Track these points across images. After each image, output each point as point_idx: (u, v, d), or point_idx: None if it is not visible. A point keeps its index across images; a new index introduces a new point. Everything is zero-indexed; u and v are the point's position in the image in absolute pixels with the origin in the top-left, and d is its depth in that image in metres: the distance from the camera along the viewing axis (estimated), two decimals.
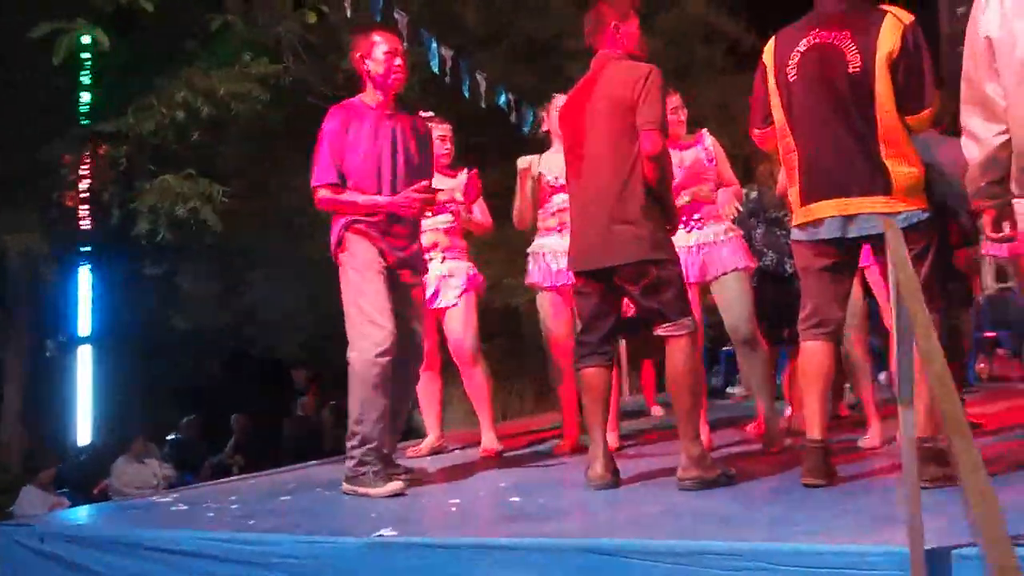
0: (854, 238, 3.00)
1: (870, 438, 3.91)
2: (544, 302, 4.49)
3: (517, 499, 3.09)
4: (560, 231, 4.40)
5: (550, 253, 4.44)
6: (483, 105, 7.36)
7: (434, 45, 6.71)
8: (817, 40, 3.04)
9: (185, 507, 3.27)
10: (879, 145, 2.93)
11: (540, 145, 4.69)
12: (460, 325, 4.50)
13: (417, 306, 3.81)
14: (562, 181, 4.37)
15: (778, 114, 3.16)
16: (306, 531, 2.70)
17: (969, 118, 2.68)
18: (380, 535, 2.53)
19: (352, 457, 3.40)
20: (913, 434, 2.01)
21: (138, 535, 2.80)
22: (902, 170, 2.93)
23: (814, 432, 3.05)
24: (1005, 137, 2.59)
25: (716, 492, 3.00)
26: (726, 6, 10.50)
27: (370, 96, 3.64)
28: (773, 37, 3.23)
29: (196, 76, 6.72)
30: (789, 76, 3.09)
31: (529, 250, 4.62)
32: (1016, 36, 2.53)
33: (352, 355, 3.43)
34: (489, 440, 4.51)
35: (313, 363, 11.08)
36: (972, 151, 2.68)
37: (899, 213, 2.91)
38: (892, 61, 2.93)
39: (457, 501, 3.12)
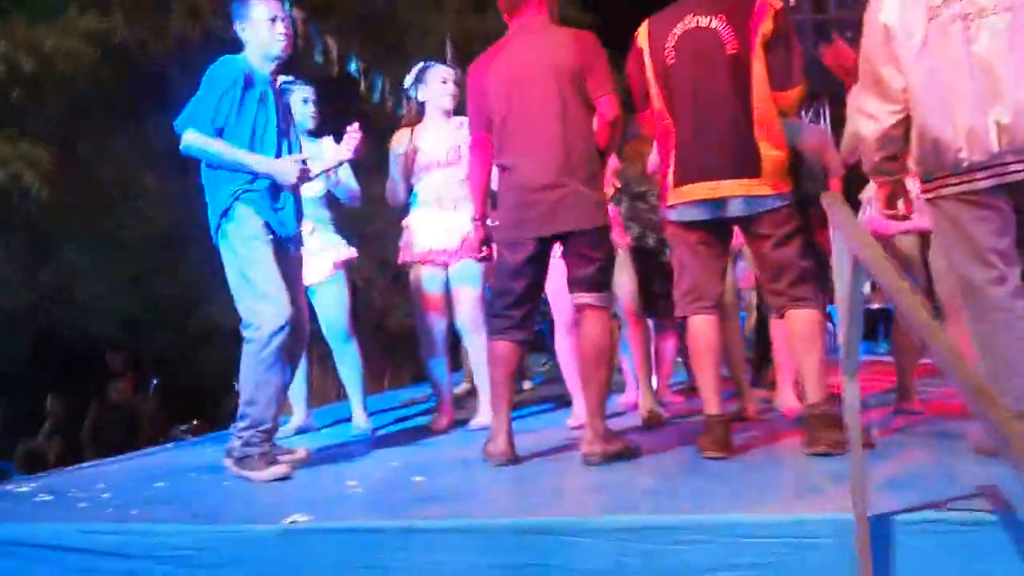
0: (725, 219, 3.09)
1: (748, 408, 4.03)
2: (419, 276, 4.36)
3: (420, 479, 2.96)
4: (439, 206, 4.29)
5: (425, 226, 4.32)
6: (334, 72, 7.08)
7: (287, 5, 6.35)
8: (694, 24, 3.10)
9: (50, 496, 2.92)
10: (753, 127, 3.02)
11: (384, 117, 4.52)
12: (333, 301, 4.29)
13: (300, 283, 3.59)
14: (439, 157, 4.28)
15: (656, 97, 3.20)
16: (201, 519, 2.48)
17: (864, 98, 2.80)
18: (293, 521, 2.35)
19: (239, 438, 3.18)
20: (858, 405, 2.07)
21: (9, 530, 2.47)
22: (771, 153, 3.02)
23: (712, 406, 3.11)
24: (899, 116, 2.72)
25: (624, 466, 3.00)
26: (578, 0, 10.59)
27: (256, 60, 3.39)
28: (646, 21, 3.26)
29: (17, 28, 6.03)
30: (667, 59, 3.14)
31: (405, 223, 4.48)
32: (912, 25, 2.65)
33: (246, 333, 3.20)
34: (360, 419, 4.34)
35: (133, 346, 10.35)
36: (867, 128, 2.80)
37: (767, 196, 3.02)
38: (767, 43, 3.02)
39: (354, 483, 2.95)
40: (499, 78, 3.25)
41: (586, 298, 3.18)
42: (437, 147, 4.29)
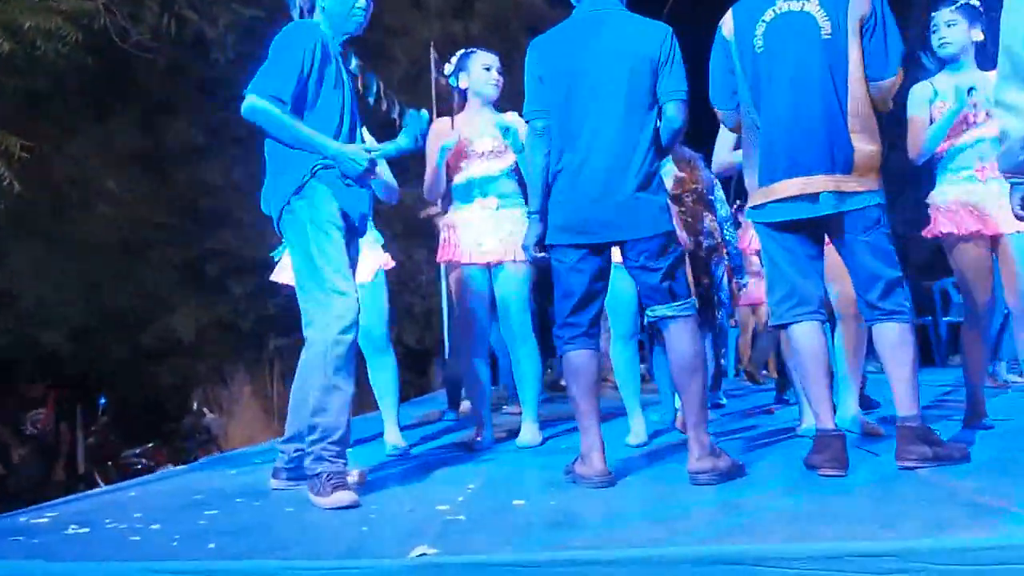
0: (817, 217, 2.84)
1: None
2: (462, 279, 4.01)
3: (520, 502, 2.61)
4: (483, 201, 3.96)
5: (471, 223, 3.97)
6: None
7: None
8: (785, 8, 2.88)
9: (84, 529, 2.46)
10: (847, 118, 2.81)
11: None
12: (373, 305, 3.91)
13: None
14: (485, 148, 3.96)
15: (742, 89, 2.96)
16: (295, 553, 2.09)
17: (1007, 90, 2.56)
18: (423, 554, 1.98)
19: (309, 453, 2.78)
20: None
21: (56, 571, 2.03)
22: (865, 147, 2.81)
23: (827, 421, 2.84)
24: None
25: (740, 485, 2.70)
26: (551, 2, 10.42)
27: (330, 32, 3.01)
28: (730, 11, 3.04)
29: None
30: (756, 48, 2.91)
31: (443, 222, 4.13)
32: None
33: (310, 332, 2.83)
34: (395, 437, 3.95)
35: (84, 356, 9.65)
36: (1014, 123, 2.56)
37: (859, 192, 2.80)
38: (863, 25, 2.80)
39: (446, 508, 2.57)
40: (561, 64, 2.95)
41: (663, 310, 2.89)
42: (483, 138, 3.96)
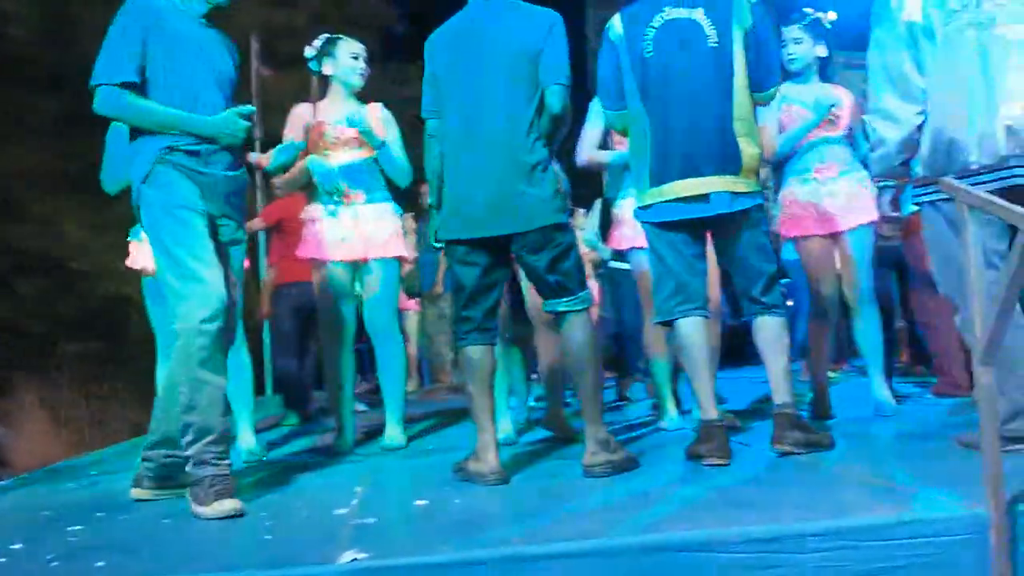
0: (705, 217, 2.95)
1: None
2: (331, 277, 3.83)
3: (425, 502, 2.51)
4: (346, 195, 3.81)
5: (334, 221, 3.81)
6: None
7: None
8: (672, 15, 2.98)
9: None
10: (734, 122, 2.92)
11: None
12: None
13: (234, 270, 2.96)
14: (348, 137, 3.81)
15: (631, 93, 3.04)
16: (196, 566, 1.90)
17: (884, 98, 2.75)
18: (354, 559, 1.85)
19: (188, 456, 2.57)
20: (994, 397, 1.97)
21: None
22: (750, 150, 2.95)
23: (710, 411, 2.94)
24: (921, 119, 2.70)
25: (636, 477, 2.73)
26: None
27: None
28: (617, 15, 3.11)
29: None
30: (644, 52, 2.99)
31: (306, 215, 3.94)
32: (933, 27, 2.65)
33: (177, 326, 2.60)
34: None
35: None
36: (890, 131, 2.75)
37: (747, 193, 2.94)
38: (746, 36, 2.94)
39: (345, 511, 2.42)
40: (449, 58, 2.93)
41: (554, 304, 2.89)
42: (344, 128, 3.80)
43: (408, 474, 3.18)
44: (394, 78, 10.95)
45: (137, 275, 8.60)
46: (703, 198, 2.89)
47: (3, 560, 2.04)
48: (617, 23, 3.06)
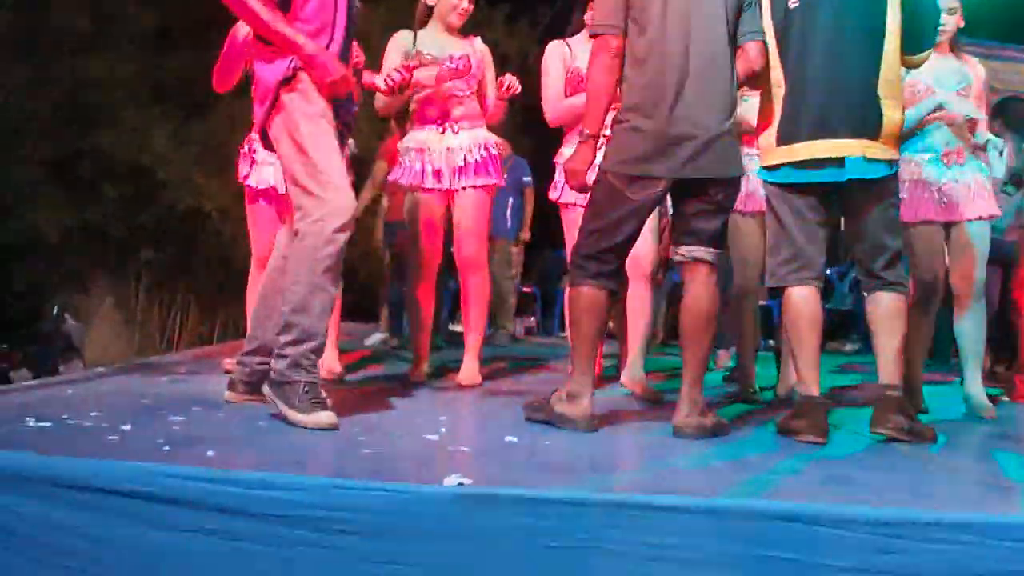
0: (834, 182, 2.81)
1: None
2: (419, 205, 3.81)
3: (515, 439, 2.49)
4: (439, 126, 3.77)
5: (429, 151, 3.78)
6: None
7: None
8: None
9: (46, 424, 2.17)
10: (878, 83, 2.78)
11: None
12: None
13: None
14: (449, 64, 3.75)
15: (769, 45, 2.90)
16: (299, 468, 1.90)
17: None
18: (461, 483, 1.84)
19: (283, 356, 2.55)
20: None
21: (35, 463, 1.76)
22: (892, 115, 2.80)
23: (812, 387, 2.86)
24: None
25: (730, 442, 2.68)
26: None
27: None
28: None
29: None
30: (789, 3, 2.85)
31: (401, 145, 3.90)
32: None
33: (304, 225, 2.59)
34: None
35: None
36: None
37: (884, 160, 2.80)
38: None
39: (436, 439, 2.43)
40: None
41: (702, 252, 2.79)
42: (443, 57, 3.75)
43: (489, 411, 3.16)
44: (481, 21, 10.83)
45: (214, 192, 8.70)
46: (836, 161, 2.77)
47: (115, 438, 2.07)
48: None
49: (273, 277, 2.84)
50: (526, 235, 6.69)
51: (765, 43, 2.82)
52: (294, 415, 2.49)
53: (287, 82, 2.63)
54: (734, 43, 2.78)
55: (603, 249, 2.76)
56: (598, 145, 2.78)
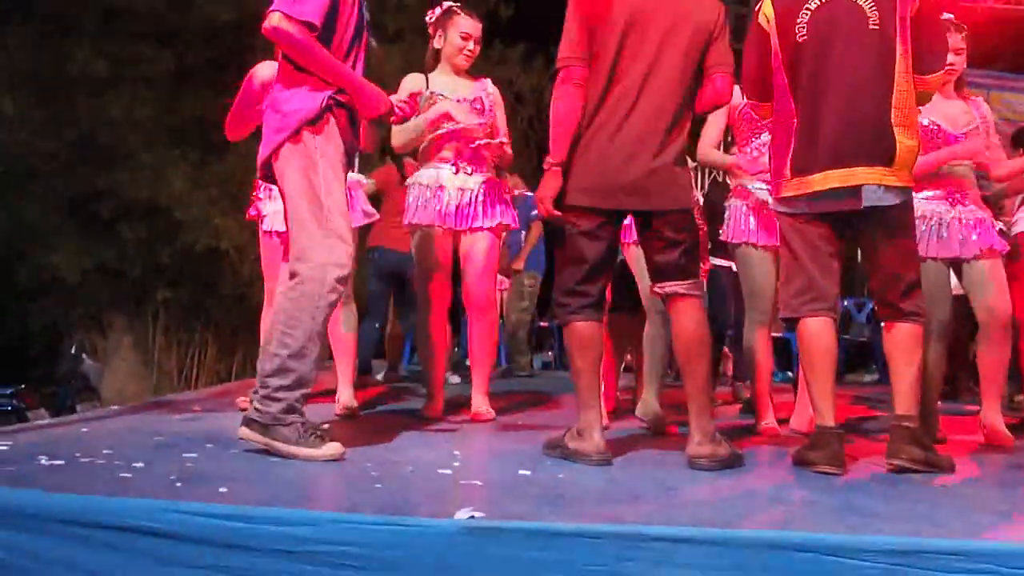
0: (849, 211, 2.81)
1: (768, 424, 3.79)
2: (429, 242, 3.83)
3: (529, 472, 2.48)
4: (451, 165, 3.81)
5: (439, 188, 3.81)
6: None
7: None
8: None
9: (59, 461, 2.18)
10: (891, 110, 2.77)
11: None
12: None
13: None
14: (460, 111, 3.79)
15: (779, 78, 2.92)
16: (313, 505, 1.90)
17: None
18: (472, 517, 1.83)
19: (276, 399, 2.54)
20: None
21: (51, 503, 1.77)
22: (906, 142, 2.78)
23: (827, 418, 2.83)
24: None
25: (744, 473, 2.66)
26: None
27: None
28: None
29: None
30: (798, 37, 2.87)
31: (411, 181, 3.93)
32: None
33: (304, 268, 2.59)
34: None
35: None
36: None
37: (899, 188, 2.79)
38: (914, 19, 2.80)
39: (449, 472, 2.43)
40: (619, 13, 2.76)
41: (673, 287, 2.82)
42: (453, 97, 3.80)
43: (502, 445, 3.15)
44: (496, 60, 10.97)
45: (232, 231, 8.77)
46: (850, 191, 2.76)
47: (129, 475, 2.08)
48: (768, 7, 2.95)
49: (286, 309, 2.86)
50: (517, 264, 6.66)
51: (734, 76, 2.84)
52: (303, 451, 2.50)
53: (314, 121, 2.65)
54: (696, 78, 2.81)
55: (577, 282, 2.81)
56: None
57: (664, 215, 2.77)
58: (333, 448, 2.51)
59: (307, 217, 2.61)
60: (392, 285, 5.89)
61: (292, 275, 2.63)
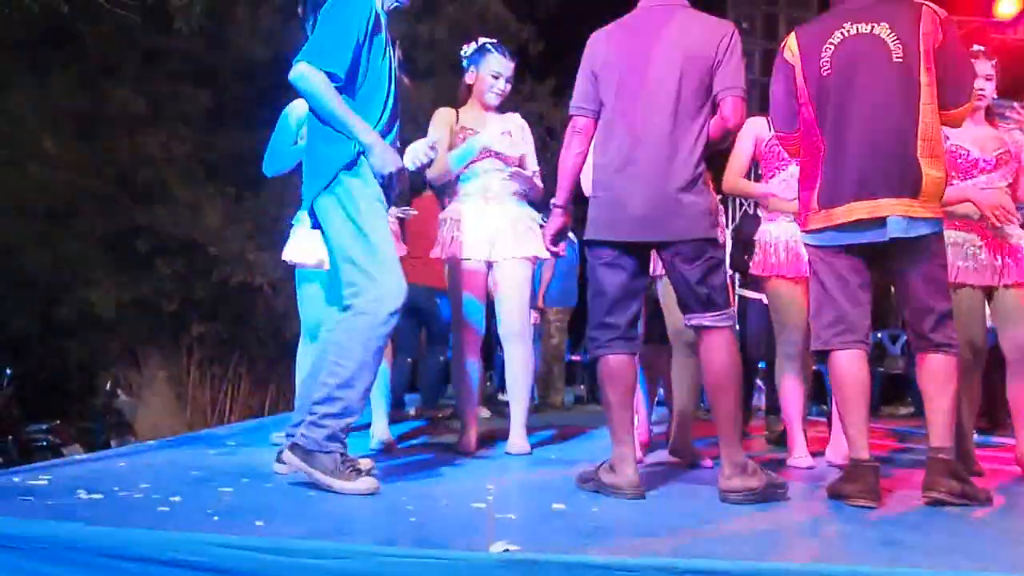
0: (877, 243, 2.80)
1: (802, 457, 3.76)
2: (461, 276, 3.86)
3: (563, 506, 2.49)
4: (485, 197, 3.85)
5: (471, 223, 3.85)
6: None
7: None
8: (854, 31, 2.86)
9: (98, 495, 2.22)
10: (917, 142, 2.77)
11: None
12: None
13: None
14: (493, 144, 3.85)
15: (805, 111, 2.94)
16: (347, 538, 1.92)
17: None
18: (507, 550, 1.84)
19: (322, 426, 2.59)
20: None
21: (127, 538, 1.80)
22: (933, 174, 2.78)
23: (862, 451, 2.81)
24: None
25: (777, 506, 2.64)
26: (517, 13, 10.45)
27: None
28: (793, 33, 3.04)
29: None
30: (822, 71, 2.89)
31: (444, 216, 3.97)
32: None
33: (359, 302, 2.65)
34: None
35: None
36: None
37: (926, 219, 2.78)
38: (936, 51, 2.81)
39: (483, 506, 2.44)
40: (614, 58, 2.88)
41: (697, 319, 2.82)
42: (490, 134, 3.85)
43: (537, 479, 3.16)
44: (526, 95, 11.09)
45: (266, 266, 8.85)
46: (877, 222, 2.77)
47: (166, 509, 2.11)
48: (792, 42, 2.99)
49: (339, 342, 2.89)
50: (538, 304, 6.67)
51: (744, 98, 2.82)
52: (338, 483, 2.54)
53: (355, 162, 2.72)
54: (705, 106, 2.82)
55: (604, 315, 2.86)
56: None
57: (674, 245, 2.78)
58: (368, 483, 2.55)
59: (357, 256, 2.67)
60: (418, 319, 5.92)
61: (346, 309, 2.68)
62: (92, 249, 8.79)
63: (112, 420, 8.34)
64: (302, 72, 2.68)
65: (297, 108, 3.69)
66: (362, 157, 2.72)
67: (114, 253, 9.03)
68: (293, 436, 2.89)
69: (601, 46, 2.95)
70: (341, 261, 2.71)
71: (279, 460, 2.90)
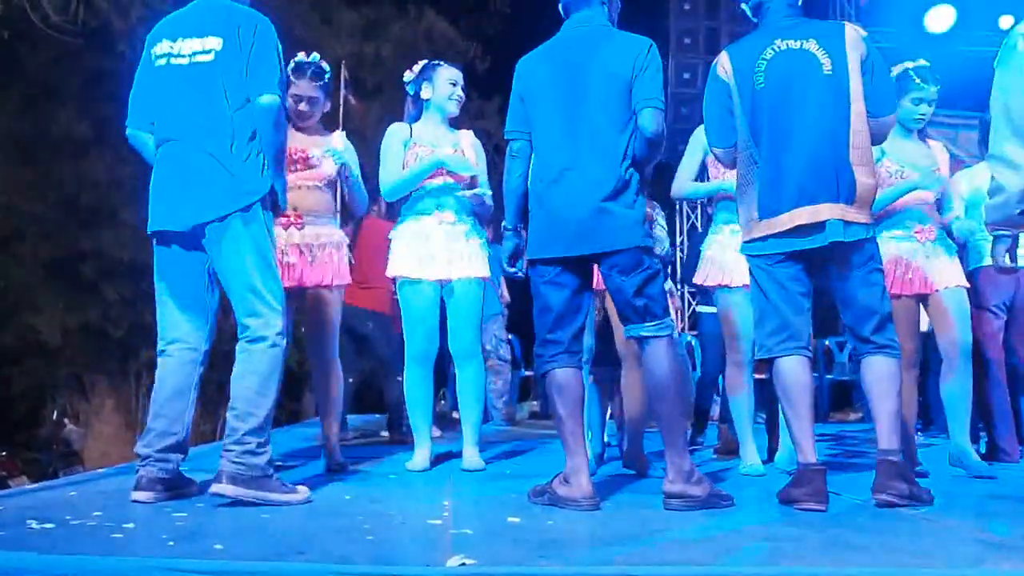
0: (815, 248, 2.89)
1: (752, 463, 3.82)
2: (412, 293, 3.87)
3: (518, 519, 2.51)
4: (432, 216, 3.87)
5: (422, 241, 3.86)
6: None
7: None
8: (785, 47, 2.98)
9: (50, 525, 2.19)
10: (849, 149, 2.88)
11: None
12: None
13: None
14: (444, 161, 3.87)
15: (741, 127, 3.03)
16: (304, 556, 1.92)
17: (1007, 147, 2.67)
18: (463, 563, 1.86)
19: (260, 453, 2.73)
20: None
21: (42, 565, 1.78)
22: (865, 180, 2.90)
23: (809, 455, 2.88)
24: None
25: (728, 512, 2.70)
26: (463, 31, 10.54)
27: None
28: (724, 52, 3.13)
29: None
30: (756, 85, 2.99)
31: (395, 233, 3.97)
32: None
33: (272, 336, 2.83)
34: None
35: None
36: (1012, 179, 2.68)
37: (861, 224, 2.88)
38: (862, 64, 2.93)
39: (439, 522, 2.45)
40: (542, 81, 2.97)
41: (639, 329, 2.86)
42: (443, 149, 3.88)
43: (492, 494, 3.18)
44: (475, 113, 11.15)
45: None
46: (815, 227, 2.85)
47: (120, 536, 2.09)
48: (724, 59, 3.07)
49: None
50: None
51: (660, 109, 2.85)
52: (286, 497, 2.73)
53: (272, 191, 2.89)
54: (628, 120, 2.87)
55: (548, 331, 2.91)
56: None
57: (609, 256, 2.83)
58: (304, 492, 2.80)
59: (261, 286, 2.82)
60: (351, 339, 5.86)
61: (253, 339, 2.81)
62: (36, 275, 8.63)
63: (60, 450, 8.17)
64: (274, 103, 2.81)
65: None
66: (276, 194, 2.88)
67: (59, 278, 8.88)
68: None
69: (527, 70, 3.03)
70: (241, 288, 2.82)
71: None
